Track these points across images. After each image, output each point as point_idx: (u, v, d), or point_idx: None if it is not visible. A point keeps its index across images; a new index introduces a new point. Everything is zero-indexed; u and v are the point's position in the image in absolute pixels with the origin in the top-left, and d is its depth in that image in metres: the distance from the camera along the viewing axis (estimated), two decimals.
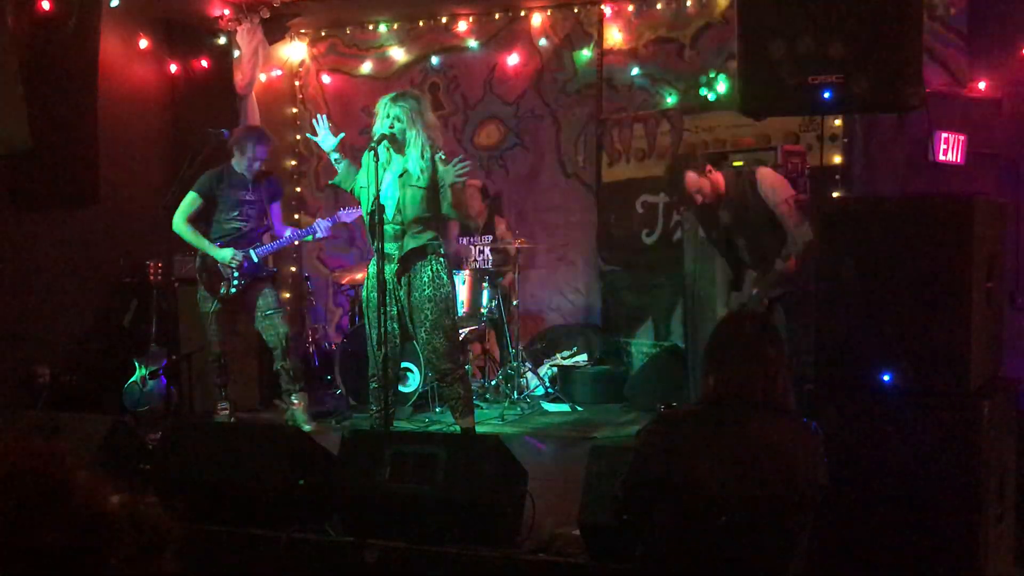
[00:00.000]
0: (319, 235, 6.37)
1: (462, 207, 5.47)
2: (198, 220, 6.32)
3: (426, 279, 5.33)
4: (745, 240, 5.45)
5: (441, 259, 5.41)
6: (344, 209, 6.43)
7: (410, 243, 5.30)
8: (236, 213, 6.30)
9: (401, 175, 5.30)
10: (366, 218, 5.33)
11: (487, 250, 7.74)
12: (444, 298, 5.37)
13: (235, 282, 6.25)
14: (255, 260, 6.29)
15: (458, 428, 5.58)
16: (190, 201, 6.25)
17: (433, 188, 5.30)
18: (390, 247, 5.30)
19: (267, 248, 6.33)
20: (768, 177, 5.35)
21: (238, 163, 6.33)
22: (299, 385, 6.42)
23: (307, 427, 6.09)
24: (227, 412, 6.37)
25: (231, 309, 6.39)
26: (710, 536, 2.68)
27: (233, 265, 6.21)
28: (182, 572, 1.22)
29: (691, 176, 5.37)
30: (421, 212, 5.30)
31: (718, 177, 5.41)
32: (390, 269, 5.30)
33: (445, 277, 5.40)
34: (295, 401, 6.37)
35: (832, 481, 2.82)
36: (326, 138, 5.47)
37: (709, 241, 5.77)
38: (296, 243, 6.61)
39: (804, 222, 5.21)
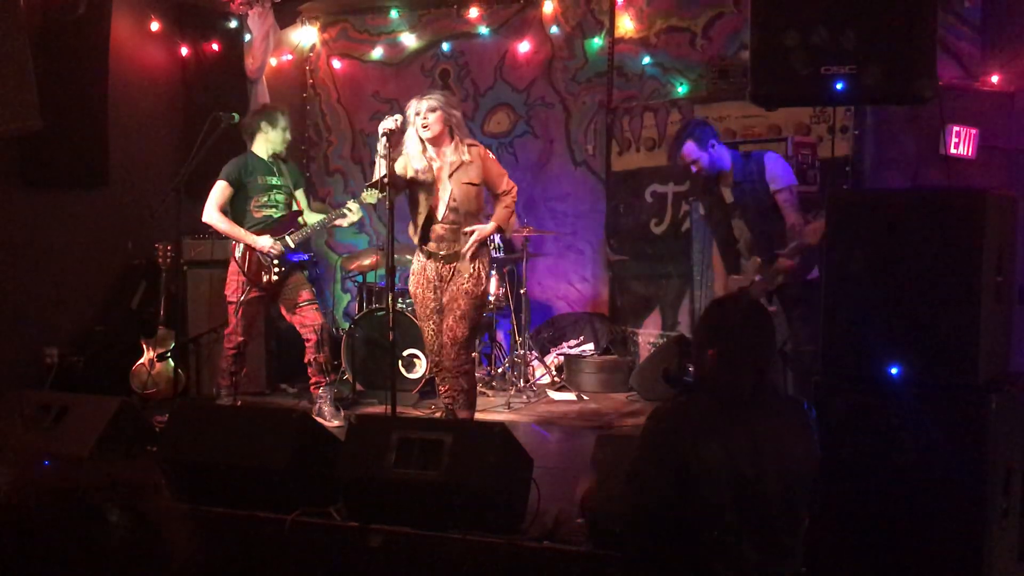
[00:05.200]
0: (351, 217, 6.33)
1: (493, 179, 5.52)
2: (225, 211, 6.26)
3: (469, 274, 5.40)
4: (744, 222, 5.44)
5: (486, 259, 5.52)
6: (367, 189, 6.42)
7: (465, 240, 5.38)
8: (266, 199, 6.27)
9: (452, 172, 5.33)
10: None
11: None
12: (480, 295, 5.45)
13: (276, 270, 6.22)
14: (291, 246, 6.25)
15: None
16: (220, 190, 6.19)
17: (482, 185, 5.37)
18: (439, 246, 5.35)
19: (301, 234, 6.30)
20: (773, 162, 5.35)
21: (265, 144, 6.31)
22: (328, 379, 6.40)
23: (334, 421, 6.10)
24: (230, 401, 6.35)
25: (261, 298, 6.33)
26: (727, 520, 2.70)
27: (273, 252, 6.19)
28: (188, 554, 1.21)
29: (690, 146, 5.36)
30: (473, 208, 5.38)
31: (722, 153, 5.39)
32: (433, 267, 5.38)
33: (486, 275, 5.49)
34: (323, 395, 6.34)
35: (838, 473, 2.82)
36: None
37: (707, 219, 5.75)
38: (327, 227, 6.56)
39: (807, 223, 5.17)
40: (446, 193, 5.33)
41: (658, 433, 2.84)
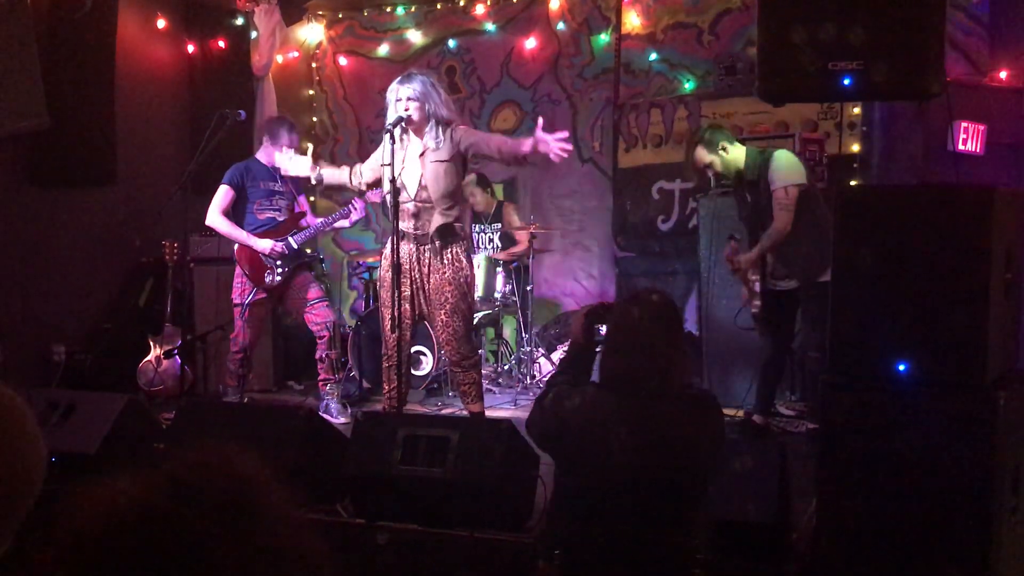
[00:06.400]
0: (355, 217, 6.36)
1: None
2: (228, 214, 6.30)
3: (446, 261, 5.29)
4: (756, 220, 5.49)
5: (462, 241, 5.38)
6: (373, 190, 6.43)
7: (438, 219, 5.27)
8: (269, 203, 6.32)
9: (421, 154, 5.29)
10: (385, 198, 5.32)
11: (496, 237, 7.73)
12: (464, 281, 5.33)
13: (279, 271, 6.25)
14: (295, 247, 6.28)
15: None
16: (222, 194, 6.25)
17: (454, 159, 5.27)
18: (410, 226, 5.29)
19: (304, 234, 6.33)
20: (778, 161, 5.35)
21: (264, 155, 6.34)
22: (336, 375, 6.41)
23: (341, 419, 6.10)
24: (237, 398, 6.37)
25: (267, 300, 6.37)
26: (611, 507, 2.82)
27: (275, 253, 6.20)
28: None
29: (700, 152, 5.46)
30: (444, 187, 5.27)
31: (735, 154, 5.43)
32: (407, 250, 5.29)
33: (465, 260, 5.37)
34: (330, 392, 6.36)
35: (844, 471, 2.82)
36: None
37: (740, 218, 5.78)
38: (331, 227, 6.59)
39: (787, 211, 5.23)
40: (416, 173, 5.29)
41: (551, 407, 2.99)
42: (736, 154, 5.43)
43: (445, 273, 5.27)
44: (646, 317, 2.89)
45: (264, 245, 6.20)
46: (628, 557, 2.80)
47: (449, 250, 5.29)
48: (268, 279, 6.23)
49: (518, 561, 3.66)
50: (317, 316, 6.31)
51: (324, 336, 6.29)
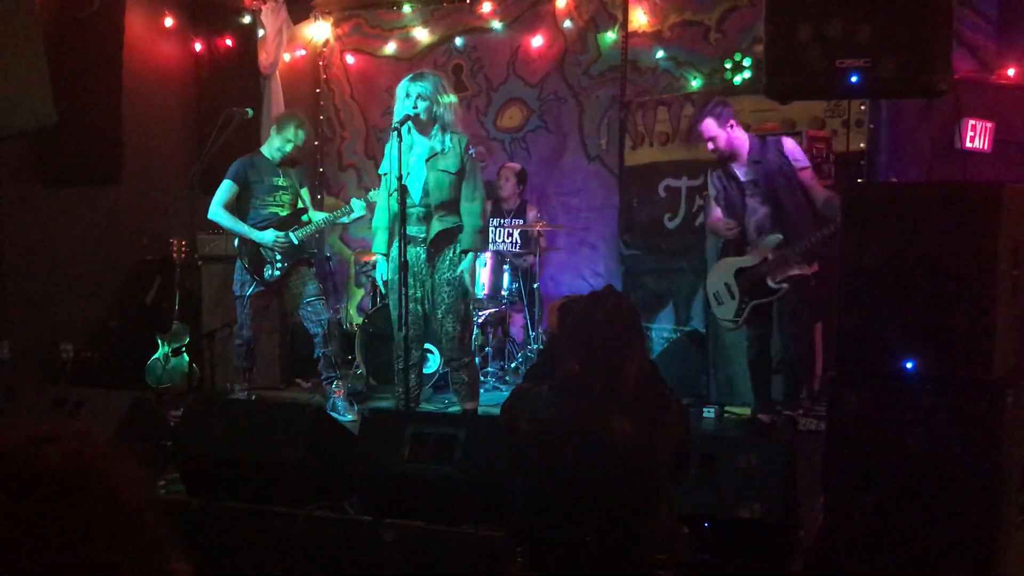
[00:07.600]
0: (355, 214, 6.37)
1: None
2: (231, 208, 6.31)
3: (446, 262, 5.35)
4: (759, 199, 5.48)
5: (459, 245, 5.42)
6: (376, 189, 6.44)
7: (437, 226, 5.31)
8: (272, 198, 6.32)
9: (428, 158, 5.30)
10: (388, 202, 5.32)
11: (515, 233, 7.73)
12: (461, 282, 5.38)
13: (278, 265, 6.26)
14: (295, 243, 6.29)
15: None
16: (225, 189, 6.25)
17: (460, 174, 5.30)
18: (415, 230, 5.31)
19: (306, 230, 6.34)
20: (792, 144, 5.51)
21: (271, 147, 6.36)
22: (339, 372, 6.44)
23: (348, 416, 6.12)
24: (245, 395, 6.39)
25: (267, 293, 6.39)
26: (565, 508, 2.86)
27: (276, 247, 6.22)
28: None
29: (709, 123, 5.45)
30: (447, 196, 5.31)
31: (739, 134, 5.46)
32: (414, 252, 5.32)
33: (467, 262, 5.41)
34: (336, 389, 6.38)
35: (851, 468, 2.81)
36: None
37: (721, 198, 5.77)
38: (332, 224, 6.60)
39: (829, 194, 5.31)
40: (421, 178, 5.31)
41: (506, 407, 3.08)
42: (740, 134, 5.49)
43: (444, 274, 5.34)
44: (597, 320, 2.88)
45: (266, 238, 6.21)
46: (587, 557, 2.80)
47: (451, 251, 5.33)
48: (267, 273, 6.25)
49: None
50: (312, 314, 6.32)
51: (318, 334, 6.31)
